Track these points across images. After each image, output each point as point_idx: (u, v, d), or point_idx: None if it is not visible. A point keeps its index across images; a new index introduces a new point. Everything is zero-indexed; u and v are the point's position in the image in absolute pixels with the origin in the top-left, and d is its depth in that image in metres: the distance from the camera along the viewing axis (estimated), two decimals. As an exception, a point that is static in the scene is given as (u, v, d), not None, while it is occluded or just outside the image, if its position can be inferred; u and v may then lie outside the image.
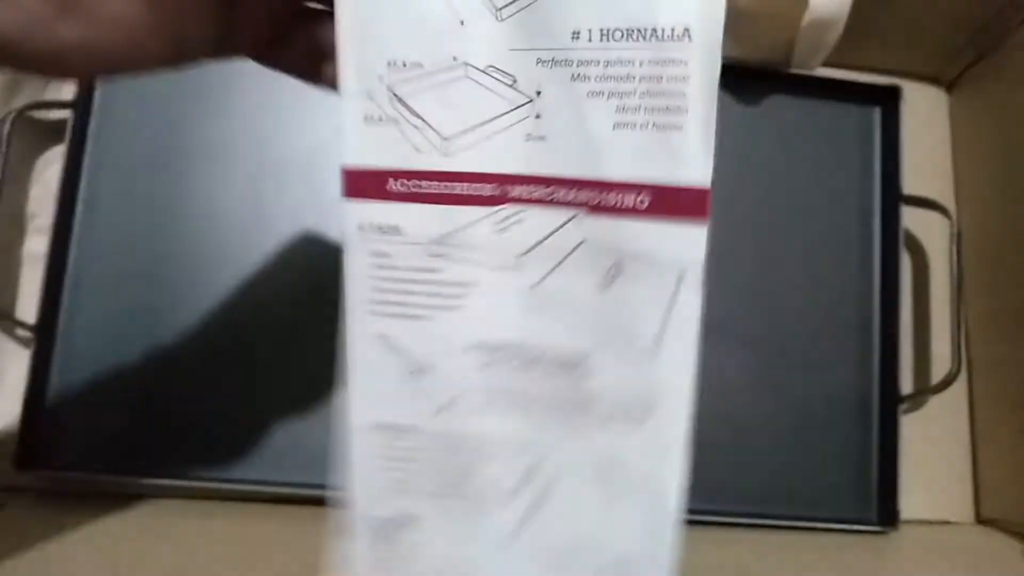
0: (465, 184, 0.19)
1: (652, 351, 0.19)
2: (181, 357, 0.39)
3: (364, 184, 0.20)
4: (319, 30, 0.21)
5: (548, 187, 0.19)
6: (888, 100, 0.44)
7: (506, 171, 0.19)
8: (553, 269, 0.19)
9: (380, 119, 0.19)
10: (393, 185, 0.19)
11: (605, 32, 0.17)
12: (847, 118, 0.44)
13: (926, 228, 0.45)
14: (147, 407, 0.39)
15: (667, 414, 0.20)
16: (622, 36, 0.17)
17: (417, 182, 0.19)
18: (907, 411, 0.42)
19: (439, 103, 0.19)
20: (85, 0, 0.18)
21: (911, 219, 0.43)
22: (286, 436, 0.39)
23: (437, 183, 0.19)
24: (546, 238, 0.19)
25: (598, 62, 0.17)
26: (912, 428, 0.41)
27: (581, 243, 0.19)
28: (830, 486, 0.41)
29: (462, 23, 0.18)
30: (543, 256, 0.19)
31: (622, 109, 0.18)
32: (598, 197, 0.18)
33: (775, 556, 0.37)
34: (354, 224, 0.20)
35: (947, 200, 0.45)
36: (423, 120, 0.19)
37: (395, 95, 0.19)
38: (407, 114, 0.19)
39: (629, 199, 0.18)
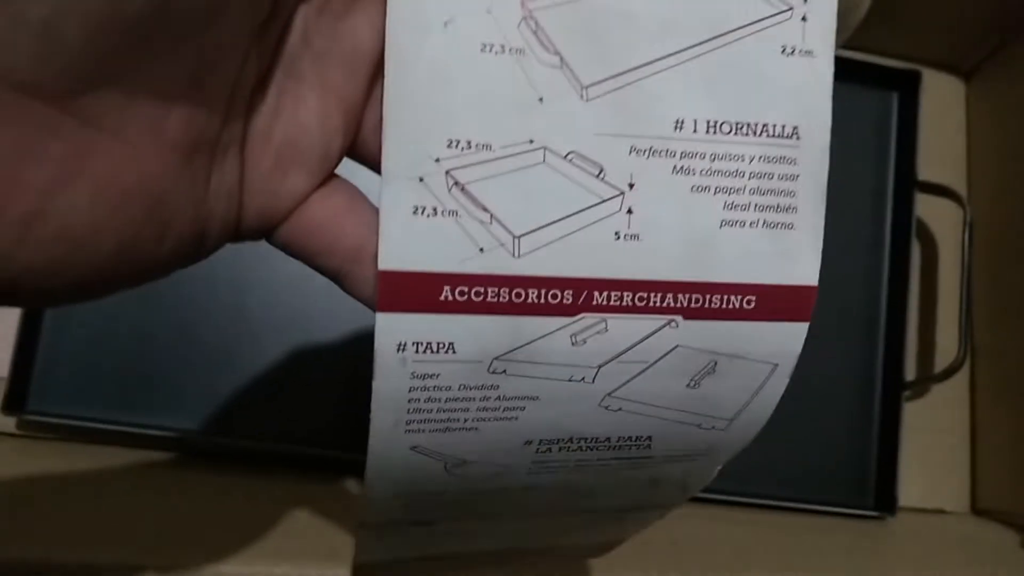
0: (539, 291, 0.16)
1: (723, 428, 0.19)
2: (177, 304, 0.38)
3: (409, 292, 0.15)
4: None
5: (640, 292, 0.16)
6: (907, 85, 0.44)
7: (589, 275, 0.16)
8: (636, 376, 0.17)
9: (434, 211, 0.15)
10: (448, 293, 0.15)
11: (712, 124, 0.16)
12: (865, 101, 0.44)
13: (937, 215, 0.45)
14: (141, 355, 0.38)
15: (719, 456, 0.20)
16: (730, 130, 0.16)
17: (479, 289, 0.16)
18: (908, 398, 0.42)
19: (510, 193, 0.15)
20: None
21: (922, 206, 0.43)
22: (282, 392, 0.38)
23: (505, 290, 0.16)
24: (632, 347, 0.16)
25: (704, 155, 0.16)
26: (912, 415, 0.42)
27: (674, 349, 0.17)
28: (829, 469, 0.40)
29: (541, 100, 0.15)
30: (626, 364, 0.17)
31: (731, 206, 0.16)
32: (700, 300, 0.16)
33: (771, 536, 0.37)
34: (392, 343, 0.15)
35: (959, 189, 0.45)
36: (490, 213, 0.15)
37: (455, 182, 0.15)
38: (470, 205, 0.15)
39: (735, 301, 0.16)
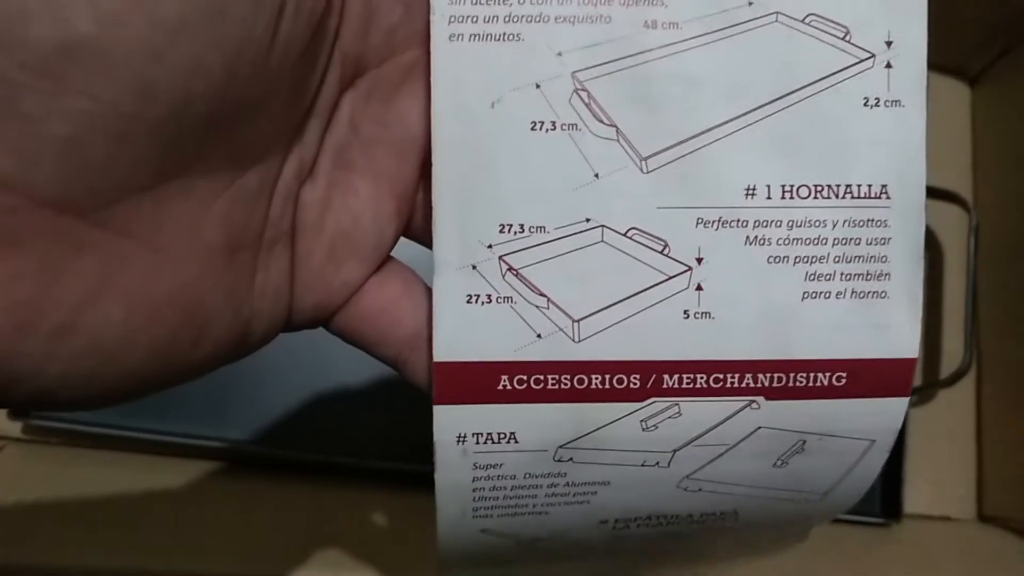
0: (603, 376, 0.15)
1: (816, 500, 0.17)
2: None
3: (466, 384, 0.15)
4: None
5: (714, 374, 0.15)
6: None
7: (657, 357, 0.15)
8: (716, 458, 0.16)
9: (488, 299, 0.15)
10: (506, 383, 0.15)
11: (788, 189, 0.15)
12: (870, 104, 0.44)
13: (942, 221, 0.44)
14: None
15: (813, 522, 0.19)
16: (809, 194, 0.15)
17: (539, 377, 0.15)
18: (914, 404, 0.41)
19: (568, 276, 0.15)
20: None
21: (927, 211, 0.42)
22: (294, 398, 0.38)
23: (566, 377, 0.15)
24: (710, 430, 0.15)
25: (780, 223, 0.15)
26: (918, 421, 0.41)
27: (756, 431, 0.15)
28: None
29: (597, 176, 0.15)
30: (704, 448, 0.15)
31: (813, 276, 0.15)
32: (783, 380, 0.15)
33: None
34: (451, 435, 0.15)
35: (965, 194, 0.44)
36: (547, 298, 0.15)
37: (509, 267, 0.15)
38: (525, 291, 0.15)
39: (823, 379, 0.15)
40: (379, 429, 0.39)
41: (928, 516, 0.43)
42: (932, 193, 0.42)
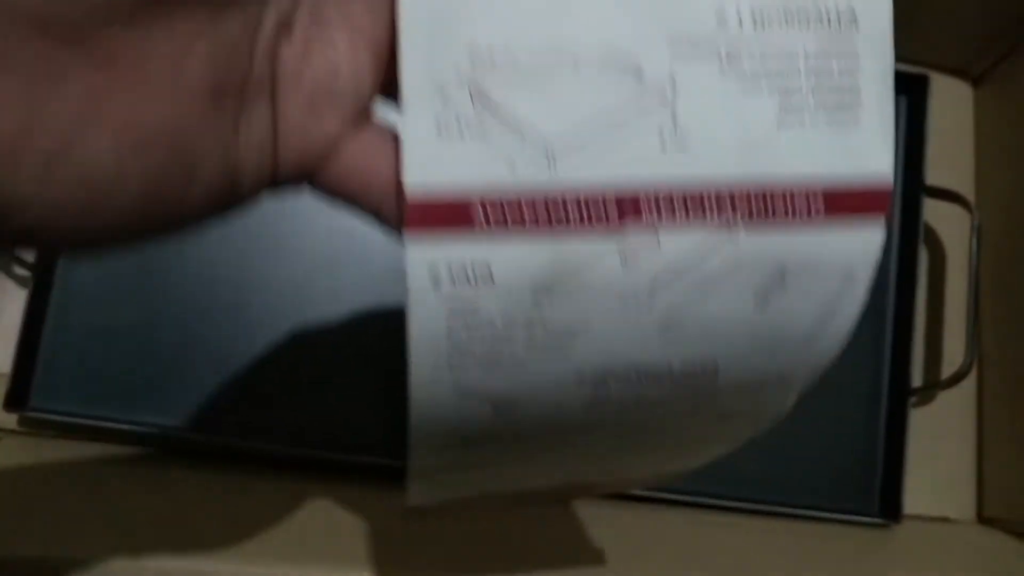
0: (580, 206, 0.15)
1: (799, 349, 0.17)
2: (180, 302, 0.38)
3: (439, 217, 0.14)
4: None
5: (692, 201, 0.15)
6: (916, 89, 0.44)
7: (634, 186, 0.15)
8: (696, 293, 0.15)
9: (459, 128, 0.14)
10: (481, 215, 0.14)
11: (759, 16, 0.15)
12: (872, 104, 0.45)
13: (945, 221, 0.45)
14: (144, 352, 0.38)
15: (793, 384, 0.18)
16: (781, 21, 0.15)
17: (514, 208, 0.14)
18: (915, 405, 0.42)
19: (541, 104, 0.14)
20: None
21: (930, 211, 0.43)
22: (285, 391, 0.38)
23: (542, 207, 0.15)
24: (690, 262, 0.15)
25: (753, 52, 0.15)
26: (918, 422, 0.41)
27: (735, 263, 0.15)
28: (834, 476, 0.40)
29: (568, 1, 0.14)
30: (684, 282, 0.15)
31: (787, 104, 0.15)
32: (760, 207, 0.15)
33: (775, 543, 0.37)
34: (424, 272, 0.14)
35: (967, 194, 0.44)
36: (520, 126, 0.14)
37: (481, 94, 0.14)
38: (497, 119, 0.14)
39: (800, 205, 0.15)
40: (352, 422, 0.39)
41: (928, 517, 0.43)
42: (934, 193, 0.43)
